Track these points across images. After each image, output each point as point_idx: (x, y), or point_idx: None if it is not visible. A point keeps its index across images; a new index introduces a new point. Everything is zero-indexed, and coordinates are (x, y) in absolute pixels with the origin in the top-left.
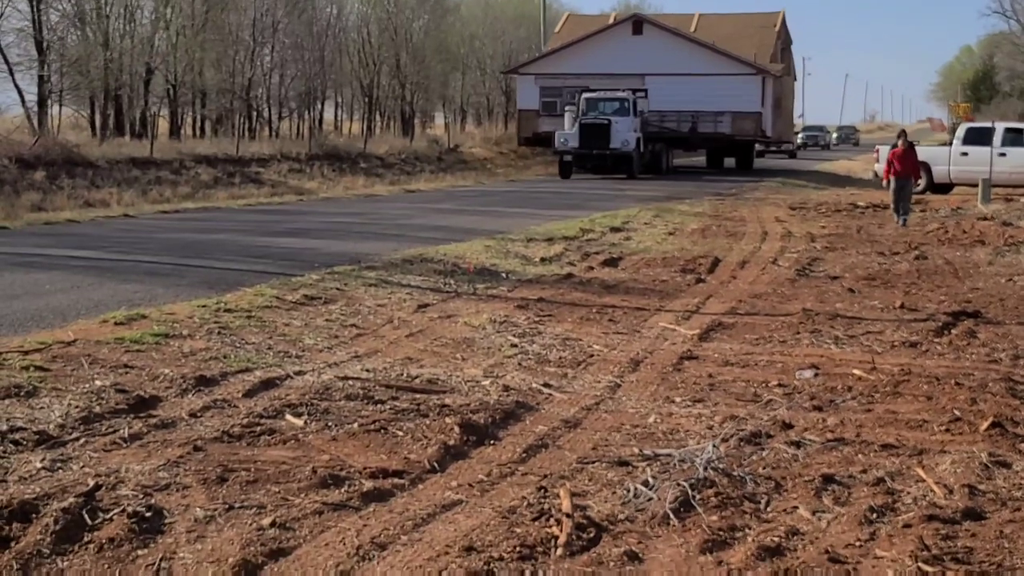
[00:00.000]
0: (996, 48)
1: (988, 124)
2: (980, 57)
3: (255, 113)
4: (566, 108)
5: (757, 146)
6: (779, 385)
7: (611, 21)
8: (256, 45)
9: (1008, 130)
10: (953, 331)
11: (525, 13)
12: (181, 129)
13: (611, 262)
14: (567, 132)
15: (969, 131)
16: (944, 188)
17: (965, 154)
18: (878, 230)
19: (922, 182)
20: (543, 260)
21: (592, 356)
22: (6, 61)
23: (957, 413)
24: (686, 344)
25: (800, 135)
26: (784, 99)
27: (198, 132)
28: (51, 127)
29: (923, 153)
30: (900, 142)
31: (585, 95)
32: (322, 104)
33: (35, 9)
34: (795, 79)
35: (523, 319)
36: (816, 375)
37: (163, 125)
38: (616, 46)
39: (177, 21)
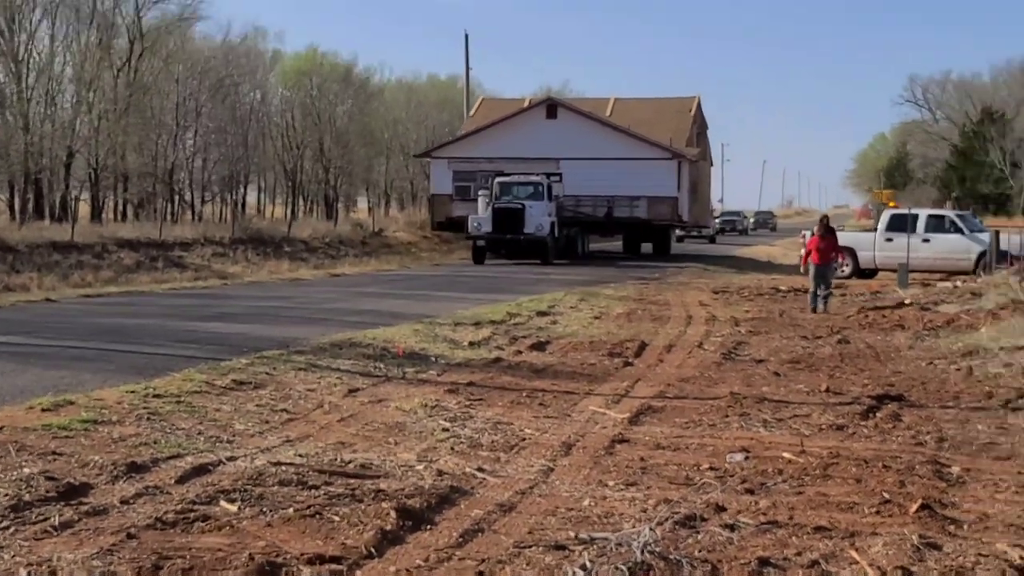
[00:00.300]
0: (909, 136)
1: (911, 211)
2: (893, 144)
3: (178, 197)
4: (479, 192)
5: (678, 231)
6: (711, 468)
7: (526, 105)
8: (179, 129)
9: (931, 217)
10: (878, 414)
11: (448, 98)
12: (103, 213)
13: (539, 346)
14: (480, 217)
15: (893, 217)
16: (870, 274)
17: (890, 240)
18: (800, 314)
19: (848, 267)
20: (471, 344)
21: (524, 440)
22: None
23: (887, 495)
24: (617, 428)
25: (718, 220)
26: (700, 183)
27: (120, 216)
28: None
29: (849, 239)
30: (816, 229)
31: (498, 179)
32: (245, 188)
33: None
34: (712, 164)
35: (454, 403)
36: (747, 458)
37: (84, 209)
38: (530, 130)
39: (100, 105)
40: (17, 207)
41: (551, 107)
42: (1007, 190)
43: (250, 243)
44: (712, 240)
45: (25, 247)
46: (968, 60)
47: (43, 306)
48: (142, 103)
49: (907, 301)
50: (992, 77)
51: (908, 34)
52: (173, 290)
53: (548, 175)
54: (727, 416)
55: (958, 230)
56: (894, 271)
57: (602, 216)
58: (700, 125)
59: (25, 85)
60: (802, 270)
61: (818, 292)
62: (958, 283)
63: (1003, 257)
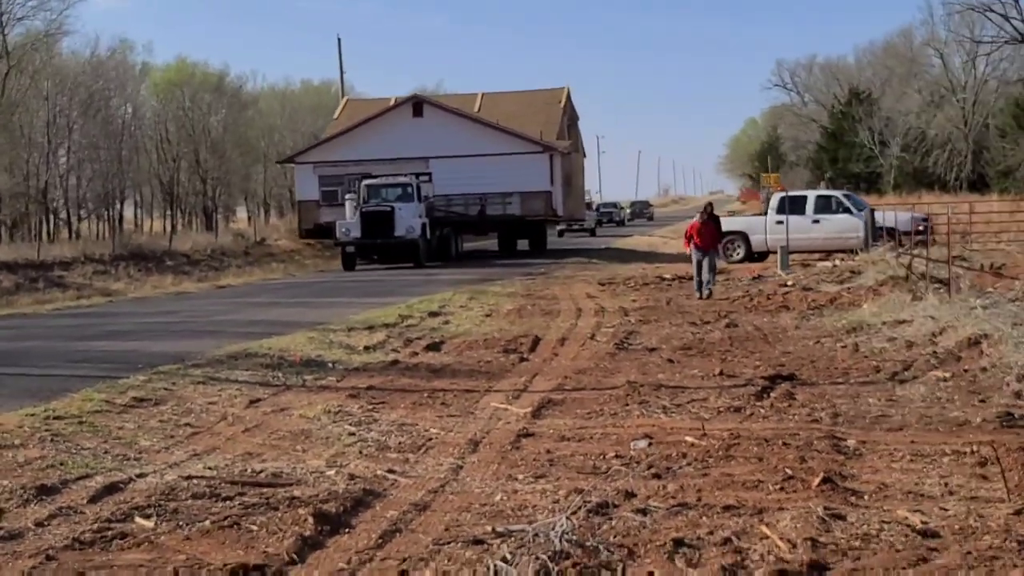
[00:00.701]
0: (779, 119)
1: (801, 193)
2: (764, 128)
3: (53, 216)
4: (346, 197)
5: (559, 225)
6: (616, 456)
7: (391, 104)
8: (51, 147)
9: (819, 198)
10: (772, 394)
11: (322, 103)
12: None
13: (434, 346)
14: (348, 222)
15: (782, 200)
16: (761, 256)
17: (780, 223)
18: (687, 301)
19: (740, 251)
20: (367, 348)
21: (431, 440)
22: None
23: (789, 472)
24: (520, 423)
25: (596, 212)
26: (574, 176)
27: None
28: None
29: (740, 223)
30: (699, 216)
31: (366, 182)
32: (122, 204)
33: None
34: (584, 155)
35: (356, 408)
36: (650, 444)
37: None
38: (397, 130)
39: None
40: None
41: (417, 105)
42: (877, 168)
43: (131, 259)
44: (592, 233)
45: None
46: (833, 43)
47: None
48: (11, 122)
49: (789, 283)
50: (857, 58)
51: (773, 20)
52: (57, 310)
53: (417, 175)
54: (627, 405)
55: (846, 210)
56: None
57: (475, 215)
58: (571, 116)
59: None
60: (686, 252)
61: (702, 278)
62: (837, 262)
63: (882, 233)
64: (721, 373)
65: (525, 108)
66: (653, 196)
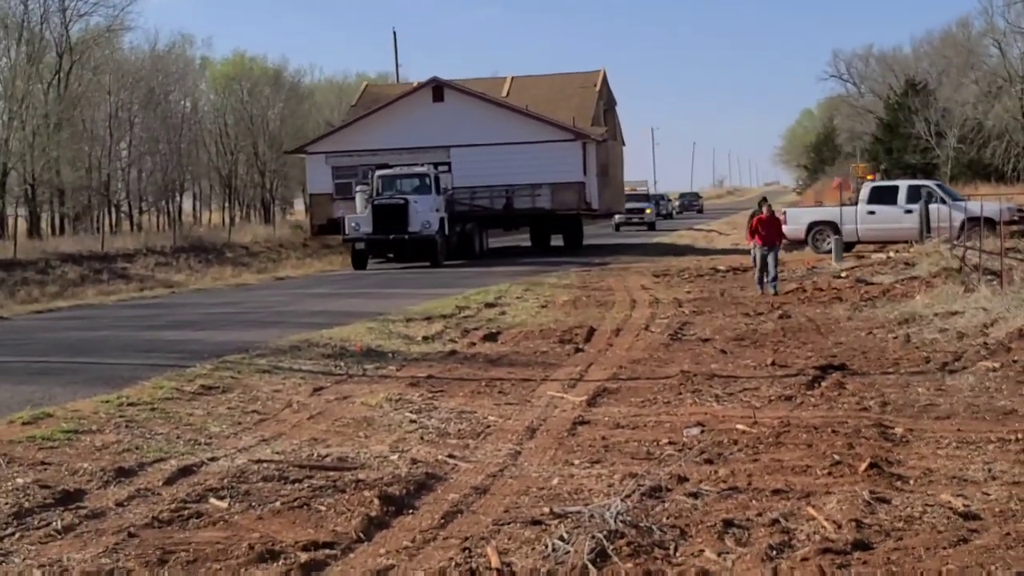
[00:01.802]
0: (835, 110)
1: (893, 183)
2: (820, 120)
3: (115, 208)
4: (357, 188)
5: (615, 218)
6: (669, 443)
7: (411, 89)
8: (113, 140)
9: (912, 187)
10: (823, 384)
11: None
12: (40, 228)
13: (491, 337)
14: (358, 216)
15: (873, 190)
16: (850, 247)
17: (872, 212)
18: (740, 292)
19: (830, 241)
20: (425, 339)
21: (489, 427)
22: None
23: (837, 457)
24: (576, 410)
25: (655, 204)
26: (611, 166)
27: (57, 230)
28: None
29: (831, 213)
30: (764, 208)
31: (379, 172)
32: (181, 196)
33: None
34: (623, 143)
35: (417, 396)
36: (703, 431)
37: (20, 224)
38: (416, 116)
39: (32, 121)
40: None
41: (437, 89)
42: (934, 159)
43: (192, 251)
44: (652, 227)
45: None
46: (889, 33)
47: None
48: (74, 116)
49: (843, 274)
50: (913, 49)
51: (830, 10)
52: (122, 301)
53: (436, 165)
54: (680, 393)
55: (940, 200)
56: (879, 243)
57: (501, 208)
58: (607, 101)
59: None
60: (748, 245)
61: (765, 276)
62: (891, 254)
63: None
64: (773, 363)
65: (557, 93)
66: (708, 187)
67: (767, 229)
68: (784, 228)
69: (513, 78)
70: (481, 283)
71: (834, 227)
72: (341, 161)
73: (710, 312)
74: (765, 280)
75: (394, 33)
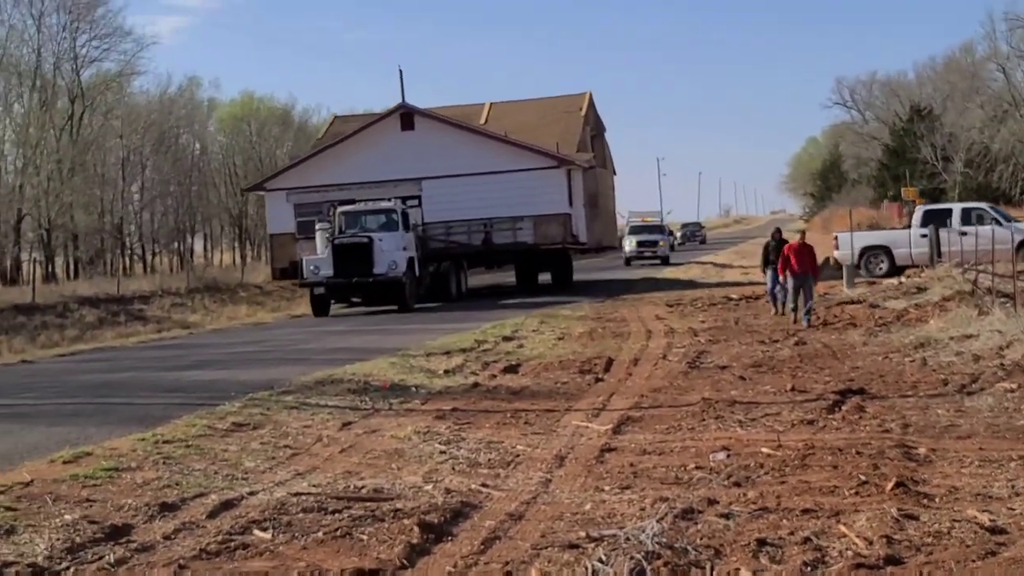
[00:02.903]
0: (840, 137)
1: (946, 206)
2: (826, 147)
3: (128, 251)
4: (317, 227)
5: (626, 250)
6: (697, 467)
7: (379, 117)
8: (125, 184)
9: (966, 210)
10: (843, 408)
11: None
12: (55, 272)
13: (511, 369)
14: (318, 257)
15: (926, 213)
16: (901, 270)
17: (924, 236)
18: (755, 320)
19: (884, 265)
20: (447, 372)
21: (518, 456)
22: None
23: (863, 478)
24: (602, 438)
25: (672, 237)
26: (601, 196)
27: (71, 273)
28: None
29: (882, 237)
30: (798, 236)
31: (340, 208)
32: (192, 237)
33: None
34: (614, 173)
35: (444, 428)
36: (729, 456)
37: (36, 269)
38: (384, 147)
39: (47, 166)
40: None
41: (406, 116)
42: (941, 184)
43: (206, 291)
44: (666, 261)
45: None
46: (892, 59)
47: (22, 367)
48: (87, 161)
49: (856, 300)
50: (917, 74)
51: (831, 37)
52: (142, 343)
53: (404, 199)
54: (703, 420)
55: (995, 220)
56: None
57: (479, 243)
58: (595, 126)
59: None
60: (781, 279)
61: (798, 304)
62: (903, 279)
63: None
64: (792, 389)
65: (540, 118)
66: (714, 217)
67: (800, 257)
68: (835, 253)
69: (492, 104)
70: (498, 317)
71: (887, 251)
72: (303, 198)
73: (726, 340)
74: (798, 309)
75: (400, 71)
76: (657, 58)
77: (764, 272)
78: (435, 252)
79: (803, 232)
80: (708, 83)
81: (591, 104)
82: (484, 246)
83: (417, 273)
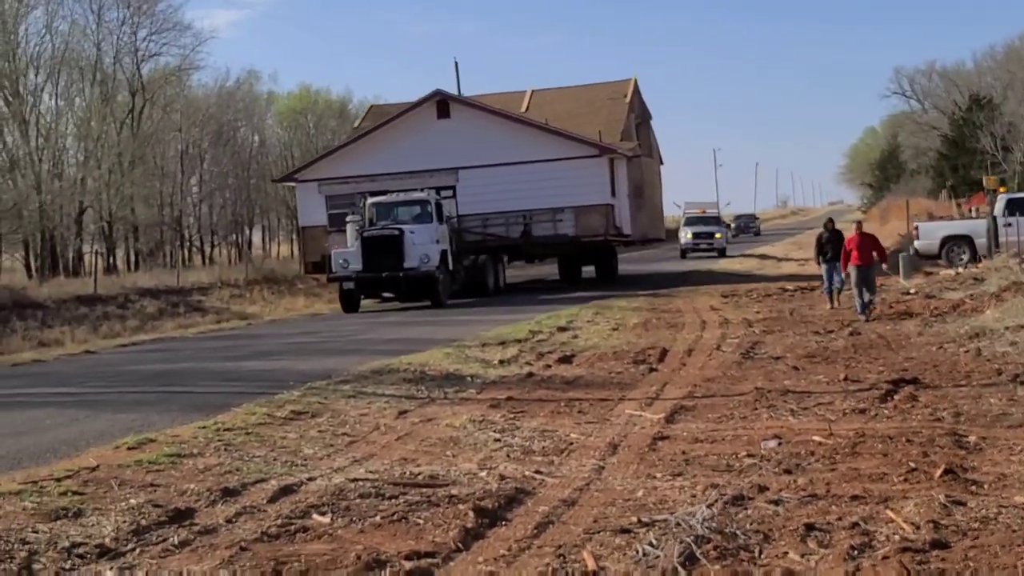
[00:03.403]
0: (899, 127)
1: None
2: (884, 137)
3: (187, 243)
4: (348, 219)
5: (682, 242)
6: (748, 455)
7: (414, 104)
8: (184, 178)
9: None
10: (896, 397)
11: None
12: (116, 264)
13: (566, 359)
14: (347, 251)
15: (1010, 202)
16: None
17: (1009, 225)
18: (809, 311)
19: (965, 255)
20: (502, 362)
21: (571, 444)
22: None
23: (912, 465)
24: (655, 427)
25: (728, 229)
26: (647, 187)
27: (132, 266)
28: None
29: (964, 227)
30: (855, 226)
31: (372, 200)
32: (250, 230)
33: None
34: (661, 162)
35: (499, 417)
36: (780, 444)
37: (93, 261)
38: (419, 136)
39: (108, 160)
40: (34, 265)
41: (442, 104)
42: (1001, 175)
43: (264, 283)
44: (723, 253)
45: (52, 303)
46: (951, 49)
47: (85, 358)
48: (146, 154)
49: (911, 291)
50: (976, 64)
51: (889, 26)
52: (202, 334)
53: (438, 190)
54: (755, 409)
55: None
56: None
57: (518, 236)
58: (640, 114)
59: (36, 146)
60: (844, 274)
61: (863, 296)
62: (959, 270)
63: None
64: (846, 378)
65: (583, 106)
66: (771, 208)
67: (863, 248)
68: (916, 243)
69: (533, 92)
70: (551, 308)
71: (969, 241)
72: (335, 189)
73: (780, 331)
74: (865, 304)
75: (455, 64)
76: (714, 49)
77: (819, 264)
78: (471, 245)
79: (859, 222)
80: (765, 73)
81: (636, 90)
82: (523, 239)
83: (451, 267)
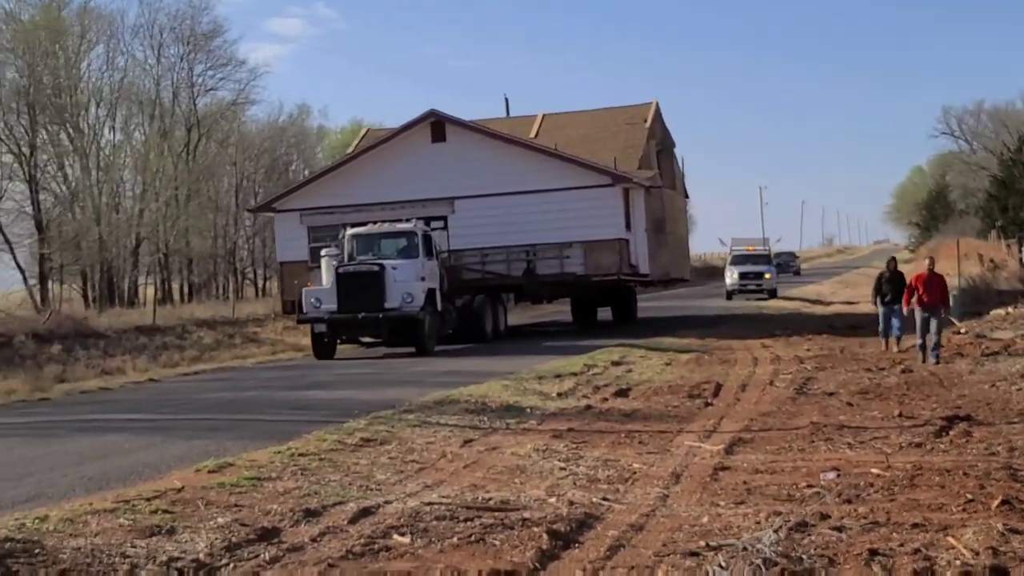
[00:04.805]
0: (947, 167)
1: None
2: (932, 177)
3: (240, 275)
4: (323, 253)
5: (728, 283)
6: (808, 486)
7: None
8: (238, 210)
9: None
10: (951, 432)
11: None
12: (172, 295)
13: (622, 392)
14: (321, 289)
15: None
16: None
17: None
18: (860, 349)
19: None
20: (560, 395)
21: (635, 473)
22: (7, 241)
23: (970, 496)
24: (715, 458)
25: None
26: (670, 221)
27: (186, 297)
28: (51, 301)
29: None
30: (926, 264)
31: (351, 231)
32: None
33: (33, 191)
34: (687, 196)
35: (562, 447)
36: (839, 475)
37: (148, 292)
38: (412, 161)
39: (165, 193)
40: (91, 296)
41: (437, 125)
42: None
43: None
44: (773, 293)
45: (113, 332)
46: (1000, 88)
47: (151, 386)
48: (201, 188)
49: (962, 330)
50: None
51: (938, 65)
52: (260, 364)
53: (427, 221)
54: (813, 442)
55: None
56: None
57: (520, 275)
58: (662, 141)
59: (96, 179)
60: (905, 311)
61: (926, 341)
62: (1010, 309)
63: None
64: (900, 415)
65: (598, 131)
66: (816, 246)
67: (930, 289)
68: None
69: (544, 116)
70: (602, 345)
71: None
72: (319, 220)
73: (832, 368)
74: (926, 346)
75: (506, 100)
76: (762, 87)
77: (876, 304)
78: (467, 284)
79: (931, 259)
80: (813, 111)
81: (657, 115)
82: (525, 277)
83: (439, 308)
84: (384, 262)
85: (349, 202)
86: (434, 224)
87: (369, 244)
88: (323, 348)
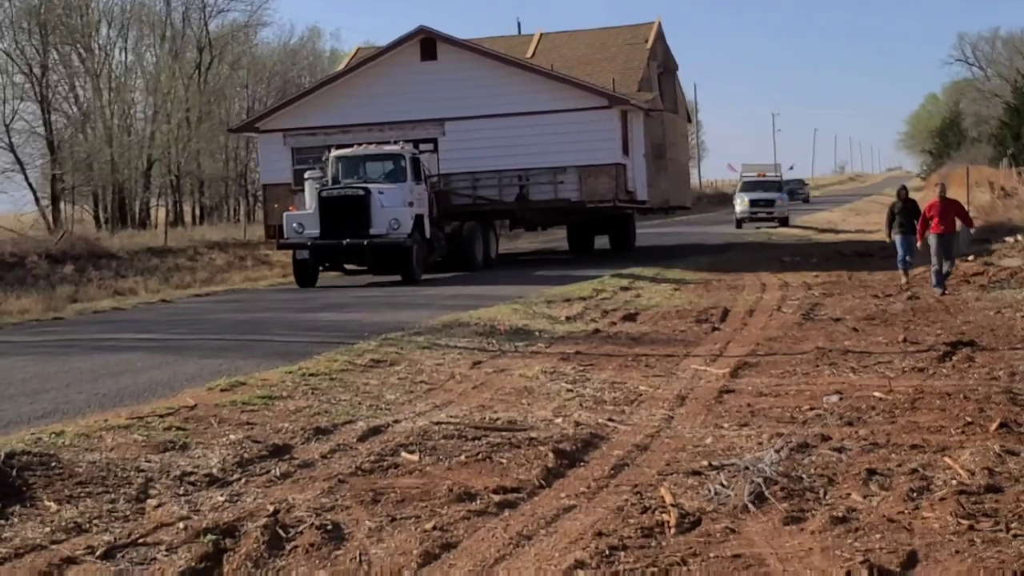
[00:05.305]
0: (961, 95)
1: None
2: (946, 104)
3: (252, 198)
4: (306, 176)
5: (736, 211)
6: (811, 408)
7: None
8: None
9: None
10: (954, 358)
11: None
12: (183, 217)
13: (630, 317)
14: (303, 214)
15: None
16: None
17: None
18: (868, 276)
19: None
20: (568, 319)
21: (641, 395)
22: (19, 162)
23: (969, 419)
24: (720, 381)
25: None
26: (670, 146)
27: (198, 219)
28: (64, 223)
29: None
30: (937, 191)
31: (335, 152)
32: None
33: (45, 111)
34: (689, 120)
35: (569, 369)
36: (841, 399)
37: (161, 214)
38: (400, 80)
39: (176, 114)
40: (102, 217)
41: (427, 43)
42: None
43: None
44: (785, 222)
45: (125, 254)
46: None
47: (162, 307)
48: (213, 110)
49: (970, 257)
50: None
51: None
52: (272, 286)
53: (416, 143)
54: (817, 366)
55: None
56: None
57: (512, 200)
58: (663, 63)
59: (108, 100)
60: (919, 244)
61: (943, 268)
62: (1019, 237)
63: None
64: (904, 340)
65: (597, 51)
66: (829, 174)
67: (944, 214)
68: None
69: (542, 35)
70: (615, 267)
71: None
72: (303, 141)
73: (839, 294)
74: (943, 276)
75: (518, 23)
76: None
77: (890, 237)
78: (457, 210)
79: (942, 185)
80: (827, 38)
81: (660, 35)
82: (518, 203)
83: (428, 235)
84: (370, 186)
85: (335, 123)
86: (423, 147)
87: (354, 167)
88: (305, 275)
